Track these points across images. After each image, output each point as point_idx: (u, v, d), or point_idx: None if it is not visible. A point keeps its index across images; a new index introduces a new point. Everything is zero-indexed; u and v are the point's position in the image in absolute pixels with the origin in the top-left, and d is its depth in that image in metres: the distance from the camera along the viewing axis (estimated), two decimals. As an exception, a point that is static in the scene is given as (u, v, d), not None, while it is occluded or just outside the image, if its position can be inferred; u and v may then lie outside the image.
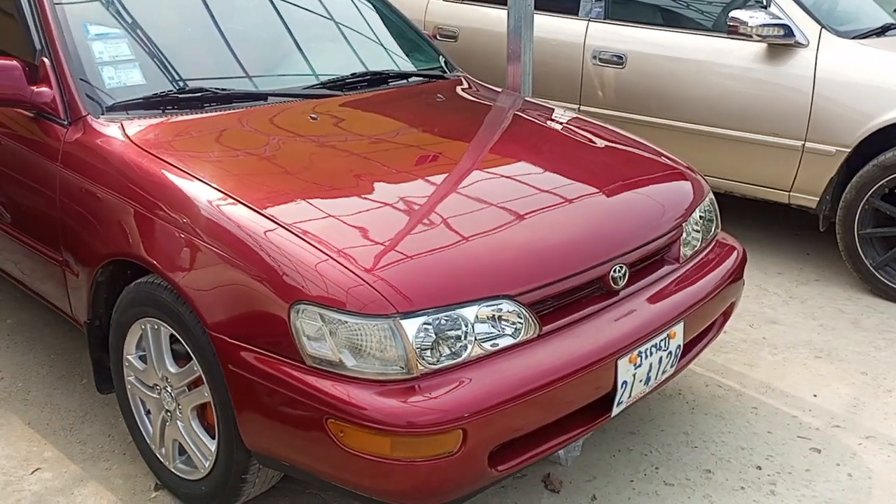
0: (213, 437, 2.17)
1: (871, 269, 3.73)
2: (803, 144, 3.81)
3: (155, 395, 2.32)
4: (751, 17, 3.76)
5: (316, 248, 1.93)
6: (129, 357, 2.37)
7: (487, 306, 1.95)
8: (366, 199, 2.21)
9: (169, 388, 2.26)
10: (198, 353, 2.09)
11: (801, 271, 4.05)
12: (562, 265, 2.11)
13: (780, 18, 3.79)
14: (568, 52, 4.55)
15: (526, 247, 2.10)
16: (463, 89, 3.25)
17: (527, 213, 2.22)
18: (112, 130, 2.40)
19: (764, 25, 3.75)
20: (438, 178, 2.38)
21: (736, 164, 4.08)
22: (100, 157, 2.36)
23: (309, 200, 2.14)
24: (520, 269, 2.04)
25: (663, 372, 2.30)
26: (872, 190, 3.64)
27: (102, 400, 2.83)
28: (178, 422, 2.26)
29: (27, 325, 3.35)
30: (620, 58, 4.34)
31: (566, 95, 4.58)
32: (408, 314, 1.84)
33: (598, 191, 2.42)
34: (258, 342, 1.93)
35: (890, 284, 3.70)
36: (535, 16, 4.64)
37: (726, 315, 2.67)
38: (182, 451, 2.32)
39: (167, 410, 2.29)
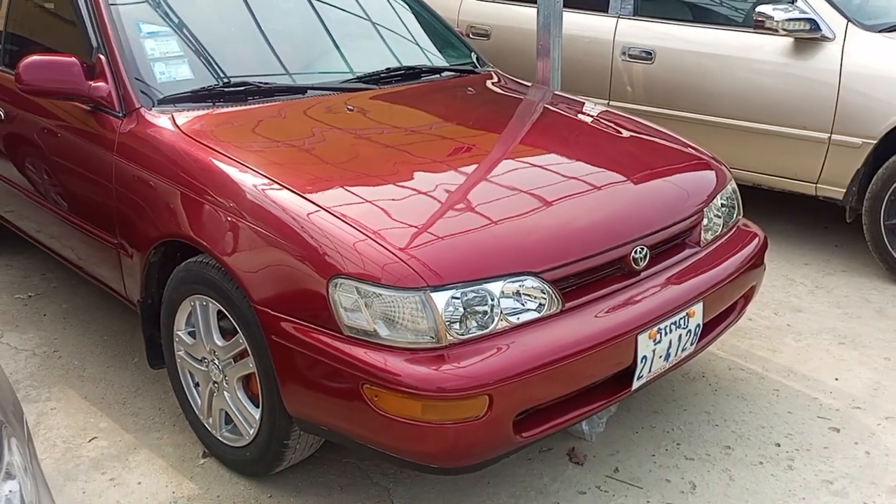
0: (257, 406, 2.32)
1: (898, 259, 3.79)
2: (829, 137, 3.87)
3: (203, 368, 2.49)
4: (777, 12, 3.84)
5: (353, 228, 2.07)
6: (178, 333, 2.54)
7: (513, 282, 2.07)
8: (398, 185, 2.34)
9: (216, 361, 2.42)
10: (243, 326, 2.25)
11: (829, 262, 4.11)
12: (584, 245, 2.22)
13: (806, 13, 3.86)
14: (598, 48, 4.65)
15: (550, 228, 2.23)
16: (493, 83, 3.38)
17: (552, 198, 2.34)
18: (163, 121, 2.57)
19: (790, 20, 3.82)
20: (468, 166, 2.51)
21: (764, 156, 4.15)
22: (153, 146, 2.53)
23: (346, 185, 2.29)
24: (544, 249, 2.16)
25: (683, 349, 2.41)
26: (898, 181, 3.69)
27: (153, 377, 3.01)
28: (225, 392, 2.42)
29: (81, 310, 3.55)
30: (649, 53, 4.43)
31: (596, 91, 4.69)
32: (437, 288, 1.97)
33: (621, 177, 2.54)
34: (299, 314, 2.08)
35: (916, 274, 3.76)
36: (566, 13, 4.78)
37: (747, 298, 2.76)
38: (228, 420, 2.48)
39: (214, 382, 2.46)
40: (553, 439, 2.68)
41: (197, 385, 2.57)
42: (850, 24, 3.85)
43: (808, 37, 3.87)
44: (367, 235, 2.05)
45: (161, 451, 2.63)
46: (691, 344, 2.44)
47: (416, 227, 2.12)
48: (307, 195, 2.18)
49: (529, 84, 3.54)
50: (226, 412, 2.46)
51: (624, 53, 4.54)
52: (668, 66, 4.38)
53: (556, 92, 3.55)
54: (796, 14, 3.84)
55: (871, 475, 2.51)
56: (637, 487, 2.47)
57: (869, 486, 2.46)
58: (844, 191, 3.92)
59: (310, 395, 2.11)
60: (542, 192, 2.37)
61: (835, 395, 2.94)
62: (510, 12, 5.15)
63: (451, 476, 2.45)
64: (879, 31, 3.86)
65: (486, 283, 2.04)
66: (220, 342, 2.40)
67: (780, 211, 4.75)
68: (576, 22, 4.74)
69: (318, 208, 2.14)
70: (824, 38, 3.86)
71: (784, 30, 3.85)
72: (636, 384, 2.28)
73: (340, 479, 2.50)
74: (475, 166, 2.51)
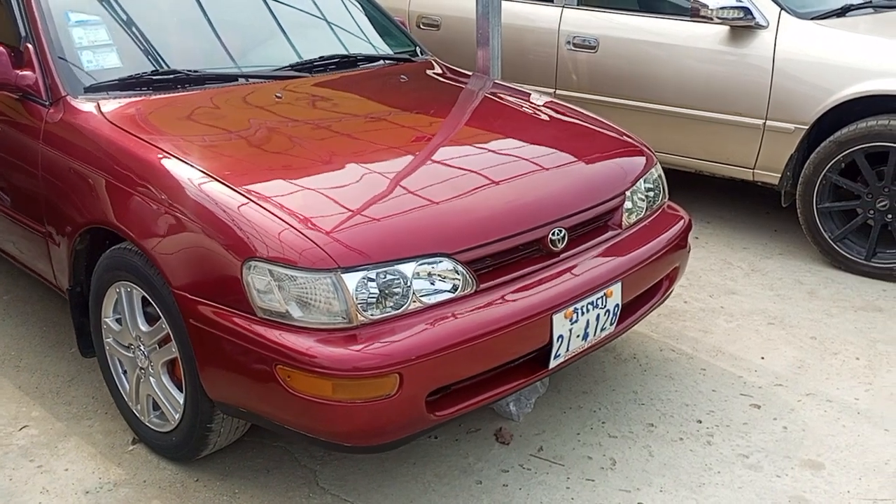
0: (182, 391, 2.35)
1: (830, 241, 3.87)
2: (764, 123, 3.95)
3: (130, 355, 2.51)
4: (711, 1, 3.90)
5: (266, 211, 2.09)
6: (106, 320, 2.56)
7: (426, 263, 2.11)
8: (316, 171, 2.34)
9: (142, 347, 2.44)
10: (165, 311, 2.27)
11: (767, 246, 4.20)
12: (499, 228, 2.27)
13: (740, 1, 3.92)
14: (543, 38, 4.70)
15: (466, 211, 2.26)
16: (429, 71, 3.41)
17: (470, 182, 2.38)
18: (89, 109, 2.58)
19: (724, 8, 3.89)
20: (390, 153, 2.52)
21: (703, 143, 4.22)
22: (77, 133, 2.54)
23: (262, 171, 2.30)
24: (458, 231, 2.20)
25: (602, 329, 2.46)
26: (829, 165, 3.78)
27: (89, 366, 3.01)
28: (151, 378, 2.45)
29: (21, 301, 3.54)
30: (593, 43, 4.49)
31: (542, 80, 4.74)
32: (348, 269, 2.01)
33: (542, 161, 2.59)
34: (216, 298, 2.11)
35: (848, 256, 3.84)
36: (513, 3, 4.83)
37: (671, 279, 2.82)
38: (156, 406, 2.50)
39: (141, 368, 2.48)
40: (481, 420, 2.73)
41: (125, 372, 2.59)
42: (783, 11, 3.93)
43: (743, 24, 3.94)
44: (279, 219, 2.08)
45: (91, 439, 2.65)
46: (611, 324, 2.49)
47: (328, 211, 2.14)
48: (223, 179, 2.20)
49: (468, 73, 3.57)
50: (153, 398, 2.48)
51: (569, 43, 4.59)
52: (611, 55, 4.44)
53: (492, 79, 3.59)
54: (730, 2, 3.91)
55: (786, 449, 2.58)
56: (559, 465, 2.52)
57: (783, 459, 2.54)
58: (780, 176, 4.00)
59: (227, 378, 2.14)
60: (462, 177, 2.41)
61: (759, 373, 3.02)
62: (459, 3, 5.17)
63: (368, 455, 2.49)
64: (811, 19, 3.94)
65: (398, 264, 2.08)
66: (144, 328, 2.42)
67: (722, 197, 4.84)
68: (522, 11, 4.79)
69: (232, 192, 2.16)
70: (758, 26, 3.93)
71: (718, 18, 3.92)
72: (553, 363, 2.34)
73: (268, 462, 2.53)
74: (397, 153, 2.53)
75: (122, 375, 2.60)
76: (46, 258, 2.75)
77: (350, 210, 2.15)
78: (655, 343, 3.24)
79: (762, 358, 3.12)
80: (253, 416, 2.19)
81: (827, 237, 3.88)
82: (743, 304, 3.56)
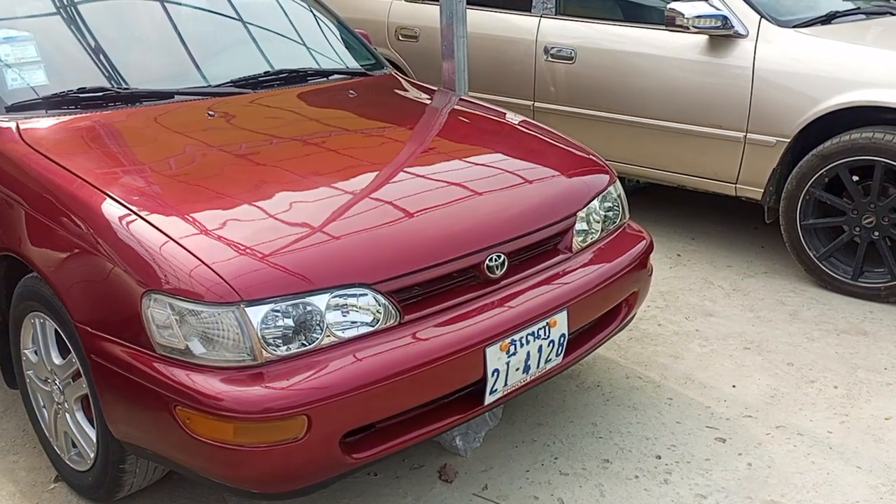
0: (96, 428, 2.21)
1: (815, 260, 3.68)
2: (745, 136, 3.77)
3: (47, 388, 2.37)
4: (687, 9, 3.74)
5: (170, 239, 1.95)
6: (25, 351, 2.43)
7: (341, 295, 1.96)
8: (230, 196, 2.16)
9: (57, 381, 2.31)
10: (74, 345, 2.13)
11: (751, 264, 4.01)
12: (427, 255, 2.11)
13: (718, 9, 3.75)
14: (521, 48, 4.55)
15: (389, 238, 2.10)
16: (384, 86, 3.27)
17: (400, 206, 2.22)
18: (8, 129, 2.45)
19: (700, 17, 3.72)
20: (314, 176, 2.34)
21: (684, 157, 4.05)
22: (-4, 154, 2.41)
23: (172, 196, 2.13)
24: (380, 259, 2.04)
25: (547, 361, 2.29)
26: (812, 180, 3.59)
27: (25, 396, 2.88)
28: (66, 413, 2.31)
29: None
30: (570, 53, 4.33)
31: (520, 92, 4.59)
32: (253, 302, 1.86)
33: (481, 181, 2.43)
34: (116, 333, 1.96)
35: (834, 275, 3.65)
36: (490, 13, 4.70)
37: (630, 304, 2.65)
38: (75, 443, 2.36)
39: (58, 403, 2.34)
40: (426, 455, 2.57)
41: (45, 406, 2.45)
42: (763, 19, 3.75)
43: (721, 34, 3.77)
44: (183, 248, 1.92)
45: (13, 476, 2.51)
46: (557, 355, 2.32)
47: (235, 240, 1.97)
48: (128, 206, 2.05)
49: (431, 87, 3.41)
50: (70, 435, 2.34)
51: (546, 53, 4.44)
52: (589, 66, 4.28)
53: (455, 94, 3.43)
54: (707, 10, 3.74)
55: (749, 489, 2.40)
56: (502, 506, 2.36)
57: (743, 500, 2.35)
58: (762, 191, 3.82)
59: (129, 418, 2.00)
60: (392, 201, 2.24)
61: (728, 403, 2.83)
62: (438, 14, 5.03)
63: (281, 501, 2.31)
64: (794, 27, 3.76)
65: (309, 296, 1.92)
66: (58, 361, 2.29)
67: (709, 212, 4.66)
68: (499, 21, 4.65)
69: (136, 220, 2.00)
70: (737, 35, 3.76)
71: (694, 27, 3.74)
72: (489, 399, 2.17)
73: (193, 502, 2.38)
74: (326, 178, 2.35)
75: (43, 410, 2.47)
76: (-29, 285, 2.63)
77: (260, 239, 1.99)
78: (623, 369, 3.07)
79: (733, 386, 2.93)
80: (160, 459, 2.04)
81: (812, 255, 3.69)
82: (720, 326, 3.38)
